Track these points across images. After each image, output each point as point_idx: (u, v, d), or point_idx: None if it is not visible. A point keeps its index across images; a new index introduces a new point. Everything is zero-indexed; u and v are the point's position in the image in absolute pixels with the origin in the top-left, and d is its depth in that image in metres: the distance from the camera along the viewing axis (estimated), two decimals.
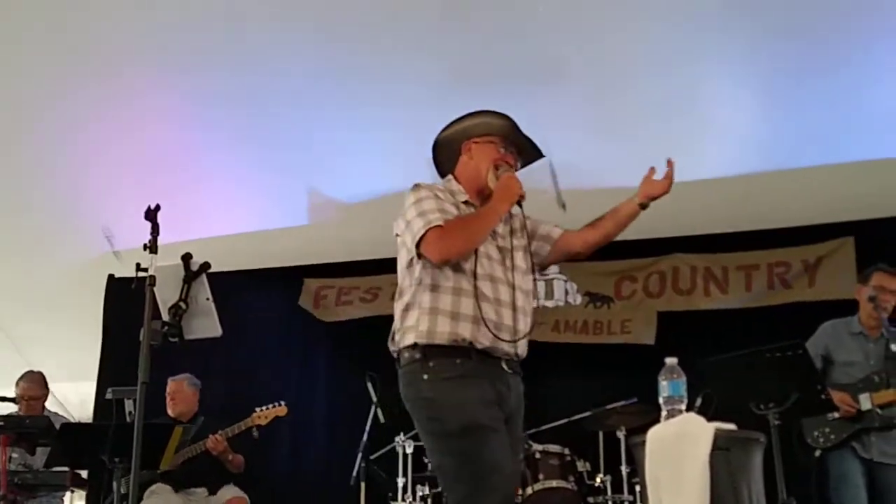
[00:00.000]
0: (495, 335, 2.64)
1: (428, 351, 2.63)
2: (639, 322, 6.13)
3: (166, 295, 3.18)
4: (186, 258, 3.23)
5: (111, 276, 6.78)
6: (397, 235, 2.80)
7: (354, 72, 5.04)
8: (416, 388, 2.65)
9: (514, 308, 2.71)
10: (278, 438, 6.25)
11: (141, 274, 3.07)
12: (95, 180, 5.90)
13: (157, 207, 3.15)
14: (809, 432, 4.32)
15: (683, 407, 2.65)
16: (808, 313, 5.40)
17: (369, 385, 5.19)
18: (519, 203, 2.76)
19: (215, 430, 5.08)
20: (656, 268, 6.24)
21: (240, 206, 6.23)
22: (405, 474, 5.13)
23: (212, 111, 5.35)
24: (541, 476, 4.48)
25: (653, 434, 2.64)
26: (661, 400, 2.66)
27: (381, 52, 4.90)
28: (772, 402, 3.40)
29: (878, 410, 4.17)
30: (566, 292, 6.32)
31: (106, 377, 6.46)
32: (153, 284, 3.07)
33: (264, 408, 5.16)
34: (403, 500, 5.08)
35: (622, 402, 4.90)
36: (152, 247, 3.10)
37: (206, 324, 3.28)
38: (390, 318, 2.82)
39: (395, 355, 2.76)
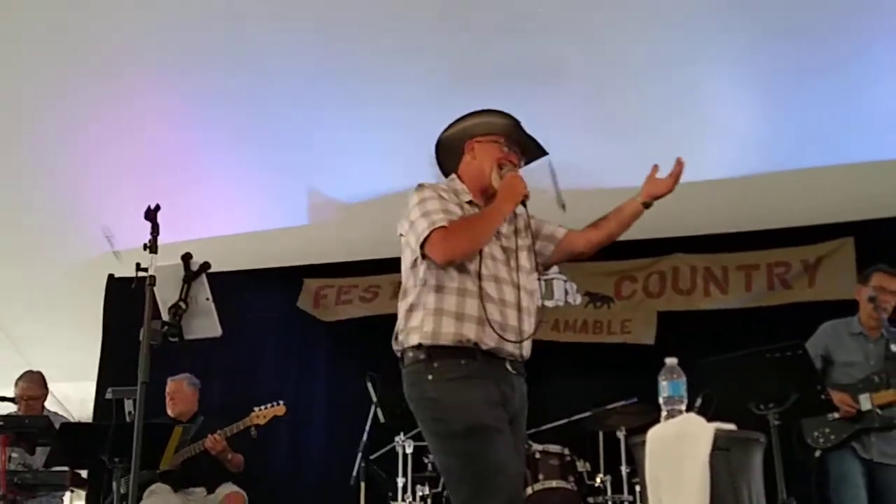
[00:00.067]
0: (500, 336, 2.63)
1: (432, 351, 2.62)
2: (639, 322, 6.13)
3: (166, 295, 3.18)
4: (186, 258, 3.23)
5: (111, 276, 6.78)
6: (401, 235, 2.79)
7: (354, 72, 5.03)
8: (420, 388, 2.64)
9: (518, 309, 2.71)
10: (278, 438, 6.26)
11: (141, 274, 3.07)
12: (95, 180, 5.90)
13: (157, 207, 3.15)
14: (809, 432, 4.32)
15: (683, 407, 2.65)
16: (807, 313, 5.41)
17: (369, 385, 5.19)
18: (523, 203, 2.75)
19: (215, 430, 5.08)
20: (656, 268, 6.24)
21: (240, 206, 6.23)
22: (405, 474, 5.13)
23: (212, 111, 5.35)
24: (540, 476, 4.48)
25: (653, 434, 2.64)
26: (661, 400, 2.66)
27: (380, 53, 4.90)
28: (772, 403, 3.40)
29: (878, 411, 4.17)
30: (566, 292, 6.33)
31: (106, 377, 6.46)
32: (153, 284, 3.07)
33: (262, 407, 5.16)
34: (403, 500, 5.08)
35: (622, 403, 4.90)
36: (152, 247, 3.10)
37: (205, 324, 3.29)
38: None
39: (398, 354, 2.75)
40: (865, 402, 4.19)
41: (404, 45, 4.86)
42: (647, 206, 2.89)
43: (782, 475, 3.32)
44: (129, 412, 4.79)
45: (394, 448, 5.20)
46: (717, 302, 6.04)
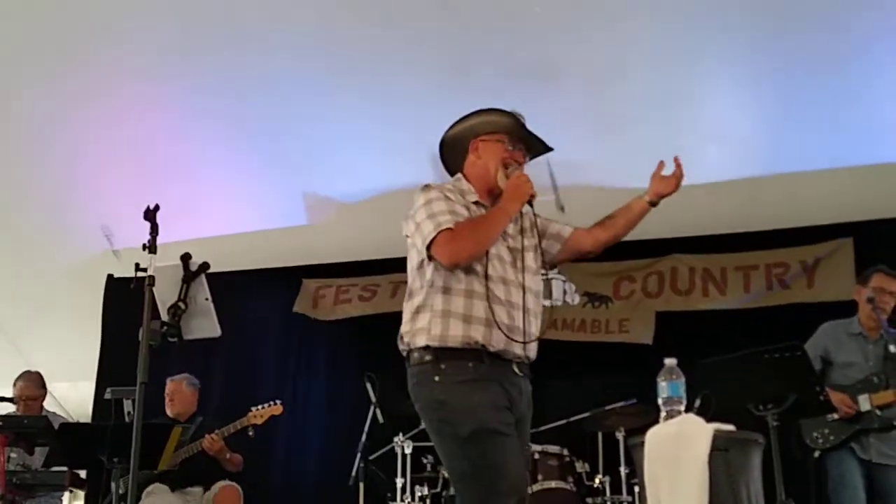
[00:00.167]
0: (509, 337, 2.63)
1: (440, 353, 2.62)
2: (637, 321, 6.13)
3: (165, 295, 3.18)
4: (185, 258, 3.23)
5: (110, 276, 6.78)
6: (407, 237, 2.78)
7: (354, 71, 5.03)
8: (427, 388, 2.63)
9: (525, 310, 2.70)
10: (277, 439, 6.26)
11: (140, 274, 3.06)
12: (95, 180, 5.90)
13: (157, 207, 3.15)
14: (808, 433, 4.32)
15: (682, 408, 2.64)
16: (806, 314, 5.40)
17: (368, 385, 5.18)
18: (530, 202, 2.74)
19: (213, 431, 5.07)
20: (655, 268, 6.23)
21: (239, 206, 6.23)
22: (404, 475, 5.12)
23: (210, 111, 5.35)
24: (539, 477, 4.47)
25: (652, 435, 2.63)
26: (660, 401, 2.66)
27: (381, 52, 4.90)
28: (770, 403, 3.40)
29: (878, 411, 4.17)
30: (564, 292, 6.32)
31: (104, 377, 6.45)
32: (152, 284, 3.07)
33: (260, 407, 5.15)
34: (402, 500, 5.07)
35: (621, 403, 4.89)
36: (151, 247, 3.10)
37: (204, 324, 3.29)
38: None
39: (404, 353, 2.74)
40: (864, 402, 4.18)
41: (404, 45, 4.86)
42: (653, 204, 2.89)
43: (781, 476, 3.32)
44: (128, 412, 4.78)
45: (393, 448, 5.19)
46: (715, 302, 6.03)
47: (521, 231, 2.81)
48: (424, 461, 5.10)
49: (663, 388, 2.65)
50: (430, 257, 2.66)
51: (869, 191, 5.57)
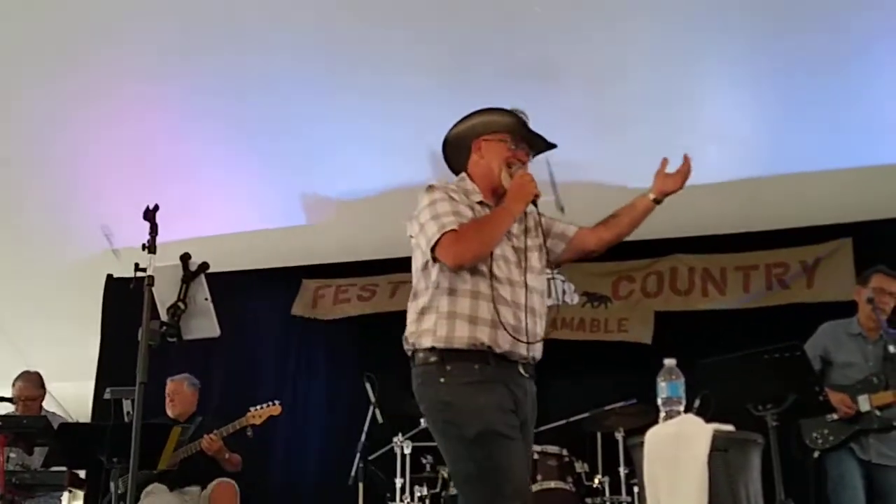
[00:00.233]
0: (515, 338, 2.62)
1: (446, 355, 2.60)
2: (636, 321, 6.13)
3: (165, 295, 3.18)
4: (185, 258, 3.23)
5: (110, 276, 6.78)
6: (411, 237, 2.76)
7: (354, 71, 5.03)
8: (433, 389, 2.61)
9: (529, 311, 2.69)
10: (276, 439, 6.26)
11: (139, 274, 3.06)
12: (95, 180, 5.90)
13: (156, 207, 3.15)
14: (808, 433, 4.32)
15: (682, 408, 2.64)
16: (806, 314, 5.40)
17: (367, 385, 5.18)
18: (534, 202, 2.73)
19: (213, 431, 5.07)
20: (654, 268, 6.23)
21: (239, 206, 6.22)
22: (403, 475, 5.11)
23: (210, 111, 5.35)
24: (539, 477, 4.47)
25: (651, 435, 2.63)
26: (659, 401, 2.65)
27: (381, 51, 4.89)
28: (770, 404, 3.40)
29: (877, 412, 4.17)
30: (563, 292, 6.31)
31: (104, 377, 6.46)
32: (152, 284, 3.06)
33: (258, 407, 5.15)
34: (402, 500, 5.07)
35: (621, 403, 4.89)
36: (151, 247, 3.10)
37: (204, 324, 3.29)
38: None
39: (408, 353, 2.73)
40: (864, 403, 4.18)
41: (404, 44, 4.86)
42: (658, 202, 2.88)
43: (780, 476, 3.32)
44: (128, 412, 4.78)
45: (392, 449, 5.18)
46: (715, 302, 6.03)
47: (526, 231, 2.80)
48: (424, 461, 5.10)
49: (663, 388, 2.64)
50: (434, 259, 2.64)
51: (869, 191, 5.57)
